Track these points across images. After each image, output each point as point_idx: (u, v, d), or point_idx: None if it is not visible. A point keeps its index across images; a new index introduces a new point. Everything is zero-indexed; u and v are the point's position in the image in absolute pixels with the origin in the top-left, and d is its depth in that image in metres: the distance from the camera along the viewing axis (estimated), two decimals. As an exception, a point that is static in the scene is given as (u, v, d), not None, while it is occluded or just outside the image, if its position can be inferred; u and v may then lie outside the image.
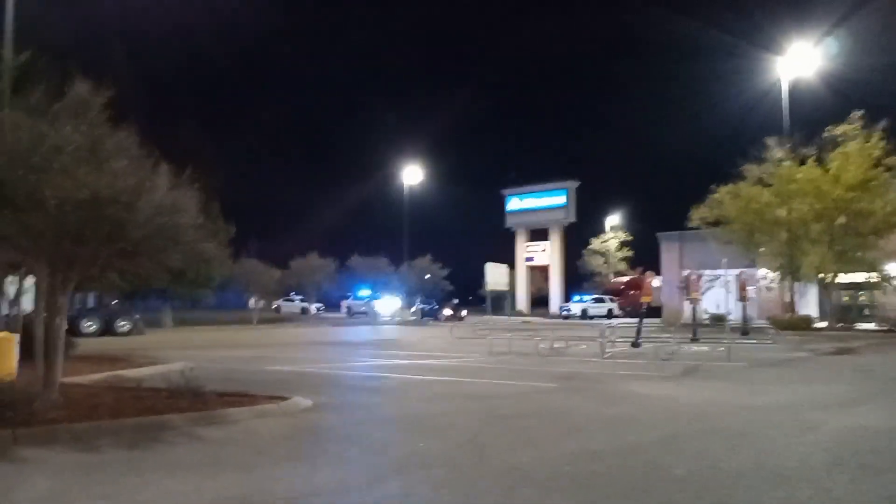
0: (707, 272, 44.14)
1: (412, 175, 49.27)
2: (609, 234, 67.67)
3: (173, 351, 20.11)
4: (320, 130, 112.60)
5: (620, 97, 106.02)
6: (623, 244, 67.58)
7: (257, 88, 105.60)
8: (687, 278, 26.59)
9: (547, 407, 9.91)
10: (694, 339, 23.87)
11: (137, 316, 31.09)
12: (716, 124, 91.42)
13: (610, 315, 52.50)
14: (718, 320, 32.61)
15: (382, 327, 40.15)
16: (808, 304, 41.43)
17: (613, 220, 68.06)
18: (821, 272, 26.56)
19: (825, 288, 28.97)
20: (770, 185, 28.97)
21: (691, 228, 45.05)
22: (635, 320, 21.75)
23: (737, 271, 39.62)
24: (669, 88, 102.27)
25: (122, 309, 33.29)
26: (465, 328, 36.61)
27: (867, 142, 26.37)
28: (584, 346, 21.32)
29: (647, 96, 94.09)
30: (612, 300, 54.46)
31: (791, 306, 41.01)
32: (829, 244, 26.17)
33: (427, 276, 49.06)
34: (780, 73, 29.63)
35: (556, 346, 21.24)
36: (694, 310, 27.02)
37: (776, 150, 28.90)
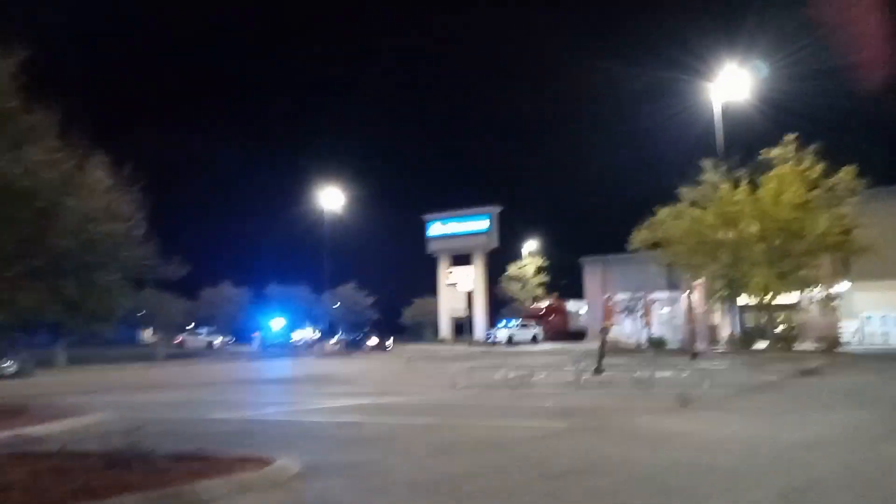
0: (625, 296, 44.51)
1: (332, 199, 46.85)
2: (526, 260, 67.49)
3: (79, 397, 16.95)
4: (232, 147, 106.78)
5: (547, 121, 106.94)
6: (539, 269, 67.59)
7: (172, 93, 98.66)
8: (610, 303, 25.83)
9: (585, 456, 8.21)
10: (654, 365, 22.99)
11: (25, 355, 26.92)
12: (646, 149, 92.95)
13: (535, 340, 51.81)
14: (657, 345, 32.33)
15: (305, 360, 37.31)
16: (725, 327, 42.25)
17: (531, 245, 67.96)
18: (766, 292, 26.54)
19: (761, 310, 29.06)
20: (705, 208, 28.92)
21: (622, 252, 45.20)
22: (557, 345, 20.72)
23: (662, 294, 39.99)
24: (599, 113, 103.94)
25: (6, 347, 28.92)
26: (401, 360, 34.57)
27: (800, 164, 26.77)
28: (544, 375, 19.83)
29: (575, 120, 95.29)
30: (536, 325, 53.83)
31: (714, 328, 41.68)
32: (769, 265, 26.19)
33: (335, 306, 46.37)
34: (712, 96, 29.88)
35: (511, 376, 19.65)
36: (603, 338, 26.44)
37: (711, 173, 28.92)
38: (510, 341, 49.38)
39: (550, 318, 58.42)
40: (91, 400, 15.87)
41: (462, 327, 58.47)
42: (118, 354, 37.42)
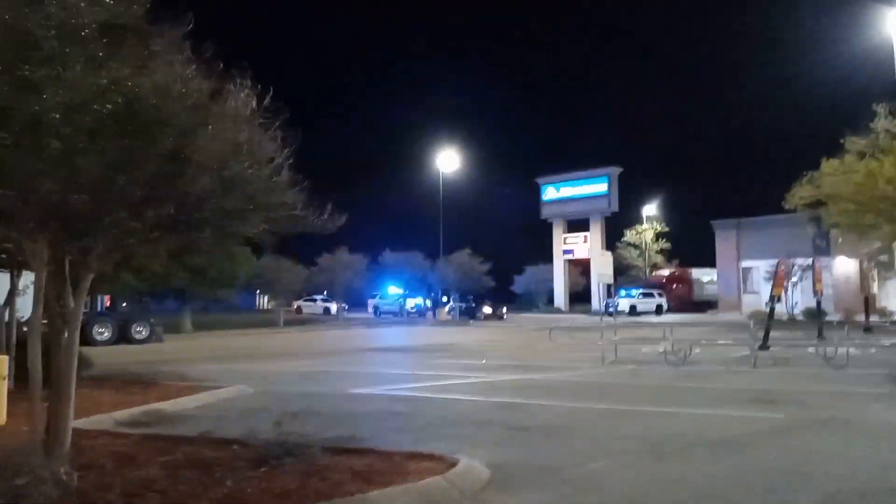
0: (770, 262, 40.47)
1: (447, 162, 45.35)
2: (645, 226, 63.77)
3: (207, 364, 16.39)
4: (347, 117, 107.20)
5: (673, 69, 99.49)
6: (659, 235, 63.74)
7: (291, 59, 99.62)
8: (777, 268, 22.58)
9: (854, 465, 6.13)
10: (820, 338, 20.11)
11: (155, 321, 27.29)
12: (795, 95, 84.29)
13: (659, 310, 48.77)
14: (815, 316, 28.80)
15: (421, 328, 36.41)
16: (889, 297, 37.59)
17: (650, 209, 64.07)
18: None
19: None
20: (878, 160, 24.95)
21: (757, 214, 41.16)
22: (685, 316, 18.03)
23: (808, 260, 35.88)
24: (735, 55, 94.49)
25: (138, 312, 29.62)
26: (521, 329, 32.89)
27: None
28: (699, 351, 17.47)
29: (706, 65, 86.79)
30: (660, 294, 50.63)
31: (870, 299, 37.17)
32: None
33: (445, 273, 44.78)
34: (890, 28, 25.60)
35: (661, 350, 17.43)
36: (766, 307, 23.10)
37: (886, 119, 24.94)
38: (633, 311, 46.59)
39: (674, 288, 54.89)
40: (221, 369, 15.19)
41: (577, 296, 56.05)
42: (240, 320, 37.99)
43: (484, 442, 7.15)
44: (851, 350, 16.20)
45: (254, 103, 5.51)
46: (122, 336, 25.62)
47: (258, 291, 56.53)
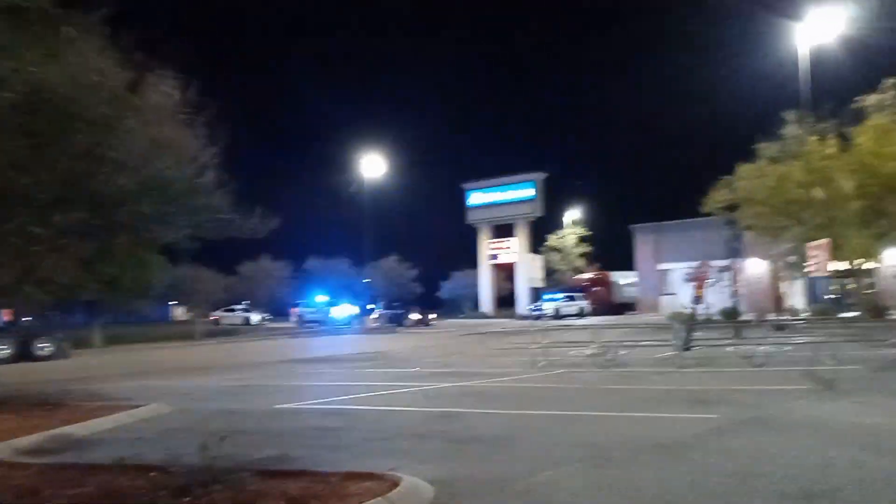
0: (686, 265, 42.01)
1: (372, 167, 44.71)
2: (567, 230, 65.09)
3: (120, 381, 15.38)
4: (267, 117, 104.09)
5: (595, 80, 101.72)
6: (581, 239, 65.18)
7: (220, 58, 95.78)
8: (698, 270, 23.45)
9: (798, 463, 6.19)
10: (738, 337, 20.85)
11: (61, 335, 25.54)
12: (711, 104, 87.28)
13: (581, 313, 49.67)
14: (730, 315, 29.98)
15: (348, 337, 35.72)
16: (796, 296, 39.65)
17: (573, 214, 65.41)
18: (864, 256, 24.02)
19: (849, 276, 26.51)
20: (787, 165, 26.22)
21: (675, 218, 42.63)
22: (606, 318, 18.49)
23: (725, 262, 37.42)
24: (656, 66, 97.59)
25: (42, 327, 27.65)
26: (450, 335, 32.76)
27: (900, 112, 24.02)
28: (625, 352, 17.75)
29: (627, 77, 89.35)
30: (582, 298, 51.62)
31: (780, 298, 39.12)
32: (865, 226, 23.62)
33: (368, 280, 44.32)
34: (798, 40, 26.99)
35: (589, 353, 17.60)
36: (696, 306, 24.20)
37: (794, 126, 26.26)
38: (557, 315, 47.30)
39: (595, 290, 56.14)
40: (137, 386, 14.27)
41: (502, 301, 56.56)
42: (154, 333, 36.21)
43: (425, 456, 6.83)
44: (768, 349, 16.85)
45: (177, 97, 5.04)
46: (24, 353, 23.84)
47: (174, 302, 54.18)
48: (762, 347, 16.59)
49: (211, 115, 5.43)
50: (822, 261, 13.57)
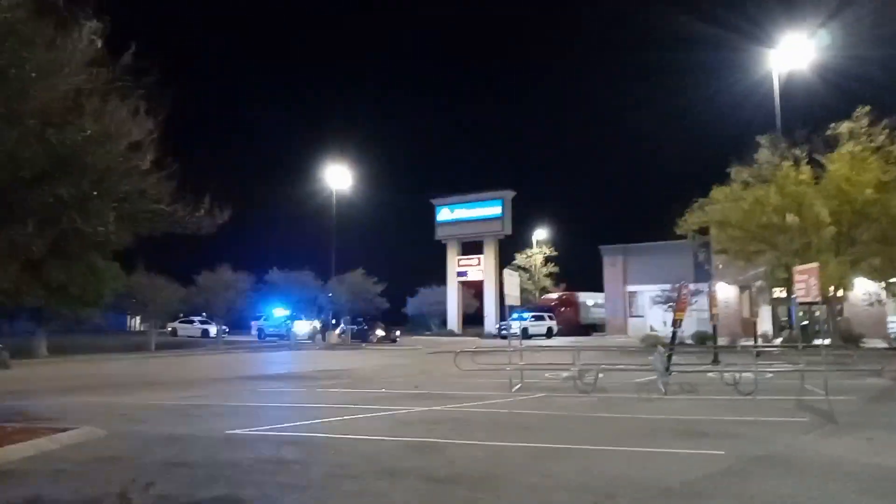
0: (654, 287, 41.63)
1: (340, 178, 43.50)
2: (535, 249, 64.61)
3: (58, 397, 13.96)
4: (234, 124, 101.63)
5: (567, 99, 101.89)
6: (548, 259, 64.74)
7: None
8: (679, 292, 22.75)
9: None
10: (715, 362, 20.24)
11: (0, 345, 23.82)
12: (684, 128, 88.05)
13: (549, 333, 48.98)
14: (702, 340, 29.48)
15: (310, 353, 34.32)
16: (764, 321, 39.52)
17: (540, 233, 65.02)
18: (839, 283, 23.72)
19: (828, 303, 26.17)
20: (754, 189, 25.96)
21: (644, 240, 42.36)
22: (574, 339, 17.70)
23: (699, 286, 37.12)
24: (629, 87, 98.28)
25: (-23, 335, 25.80)
26: (416, 353, 31.62)
27: (872, 140, 23.95)
28: (601, 376, 16.88)
29: (599, 97, 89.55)
30: (550, 318, 50.95)
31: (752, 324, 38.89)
32: (839, 252, 23.35)
33: (330, 294, 42.92)
34: (772, 66, 26.89)
35: (566, 375, 16.73)
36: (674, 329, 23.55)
37: (768, 151, 26.04)
38: (525, 334, 46.46)
39: (562, 311, 55.55)
40: (74, 403, 12.90)
41: (469, 319, 55.57)
42: (105, 344, 34.37)
43: (402, 502, 5.80)
44: (749, 375, 16.17)
45: (103, 51, 3.99)
46: (-43, 362, 22.10)
47: (128, 312, 52.04)
48: (745, 374, 15.91)
49: (152, 84, 4.38)
50: (811, 286, 12.89)
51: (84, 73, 3.88)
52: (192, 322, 50.81)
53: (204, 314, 48.21)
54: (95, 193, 4.06)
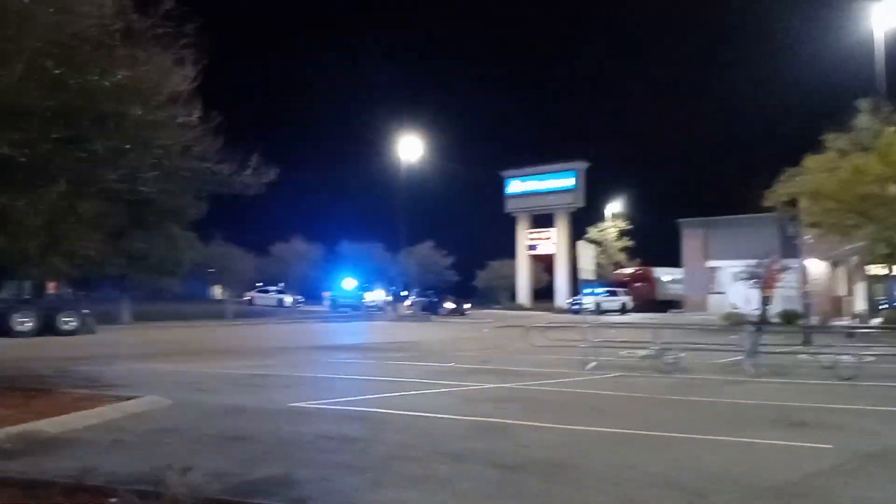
0: (737, 262, 39.58)
1: (410, 151, 43.17)
2: (609, 223, 62.78)
3: (132, 363, 14.20)
4: (305, 97, 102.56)
5: (643, 65, 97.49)
6: (622, 233, 62.83)
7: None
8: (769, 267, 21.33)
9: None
10: (806, 343, 18.88)
11: (87, 310, 24.77)
12: (771, 93, 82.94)
13: (624, 309, 47.62)
14: (790, 319, 27.78)
15: (380, 324, 34.42)
16: (858, 300, 37.02)
17: (614, 206, 63.02)
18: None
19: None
20: (852, 157, 23.86)
21: (726, 214, 40.32)
22: (650, 315, 16.55)
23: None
24: (709, 49, 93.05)
25: (68, 301, 26.88)
26: (485, 326, 31.18)
27: None
28: (684, 355, 15.91)
29: (676, 61, 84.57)
30: (624, 293, 49.52)
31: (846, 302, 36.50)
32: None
33: (404, 267, 42.69)
34: (872, 23, 24.56)
35: (643, 353, 15.82)
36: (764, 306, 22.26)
37: (868, 116, 23.90)
38: (598, 309, 45.29)
39: (637, 286, 53.87)
40: (146, 369, 13.04)
41: (539, 293, 54.70)
42: (186, 311, 35.41)
43: (467, 490, 5.29)
44: (847, 358, 14.86)
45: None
46: (49, 326, 23.13)
47: (208, 281, 53.72)
48: (843, 356, 14.64)
49: (196, 30, 3.93)
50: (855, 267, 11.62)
51: (112, 10, 3.46)
52: (268, 292, 52.02)
53: (280, 284, 49.26)
54: (128, 147, 3.65)
